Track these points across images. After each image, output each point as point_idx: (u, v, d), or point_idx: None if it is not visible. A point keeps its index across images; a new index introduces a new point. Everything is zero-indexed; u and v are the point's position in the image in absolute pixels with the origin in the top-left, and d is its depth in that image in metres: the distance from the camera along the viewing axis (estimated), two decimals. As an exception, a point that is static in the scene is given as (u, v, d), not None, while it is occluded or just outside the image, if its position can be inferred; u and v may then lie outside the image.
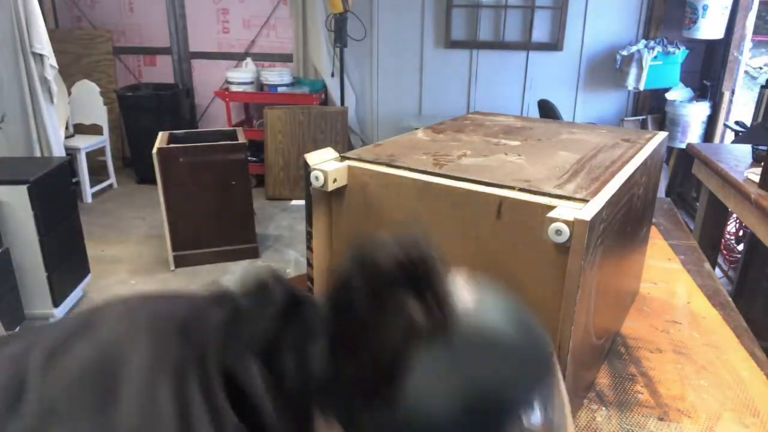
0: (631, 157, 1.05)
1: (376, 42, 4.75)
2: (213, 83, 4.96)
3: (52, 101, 3.60)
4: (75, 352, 0.50)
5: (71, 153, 4.12)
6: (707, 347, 1.21)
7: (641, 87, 4.10)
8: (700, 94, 4.20)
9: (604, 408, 1.01)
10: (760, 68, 4.47)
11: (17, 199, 2.51)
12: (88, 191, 4.44)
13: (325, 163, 0.95)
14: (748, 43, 3.90)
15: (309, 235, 1.01)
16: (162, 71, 5.17)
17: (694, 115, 4.02)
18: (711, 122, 4.04)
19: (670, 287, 1.47)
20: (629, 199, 0.98)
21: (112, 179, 4.78)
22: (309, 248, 1.02)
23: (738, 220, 3.27)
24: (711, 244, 2.61)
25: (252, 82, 4.65)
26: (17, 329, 2.47)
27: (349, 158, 0.98)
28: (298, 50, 4.80)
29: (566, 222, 0.73)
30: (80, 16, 5.13)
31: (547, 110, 3.74)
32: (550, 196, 0.81)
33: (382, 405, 0.48)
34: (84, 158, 4.35)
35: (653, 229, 1.77)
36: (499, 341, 0.52)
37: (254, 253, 3.55)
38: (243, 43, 4.97)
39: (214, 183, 3.28)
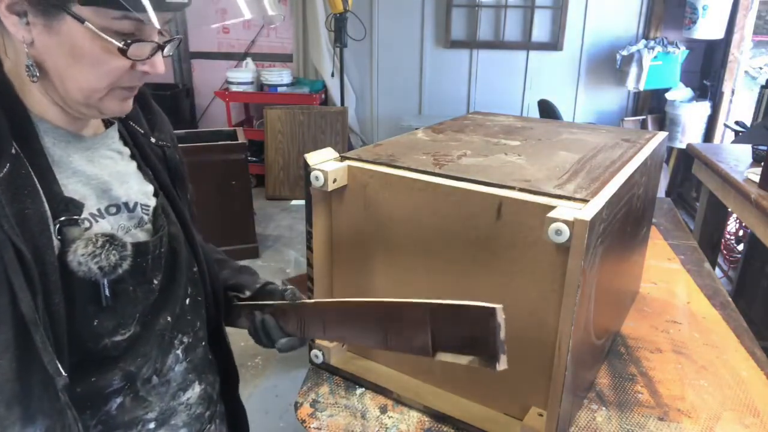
0: (631, 157, 1.05)
1: (376, 42, 4.75)
2: (213, 83, 4.96)
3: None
4: None
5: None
6: (707, 347, 1.21)
7: (641, 87, 4.10)
8: (700, 94, 4.20)
9: (604, 408, 1.01)
10: (760, 68, 4.47)
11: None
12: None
13: (325, 163, 0.95)
14: (748, 43, 3.90)
15: (309, 235, 1.01)
16: (162, 71, 5.17)
17: (694, 115, 4.02)
18: (711, 122, 4.04)
19: (670, 287, 1.47)
20: (629, 199, 0.98)
21: (112, 179, 4.78)
22: (309, 248, 1.02)
23: (738, 220, 3.27)
24: (711, 244, 2.61)
25: (252, 82, 4.65)
26: None
27: (349, 158, 0.98)
28: (298, 50, 4.80)
29: (566, 222, 0.73)
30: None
31: (547, 110, 3.74)
32: (550, 196, 0.81)
33: None
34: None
35: (653, 229, 1.77)
36: None
37: (254, 253, 3.55)
38: (243, 43, 4.97)
39: (214, 183, 3.28)
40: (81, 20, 0.62)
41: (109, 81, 0.68)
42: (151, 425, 0.81)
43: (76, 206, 0.70)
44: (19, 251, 0.62)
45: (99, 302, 0.71)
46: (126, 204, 0.77)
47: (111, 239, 0.69)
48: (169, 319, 0.81)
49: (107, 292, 0.71)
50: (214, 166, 3.25)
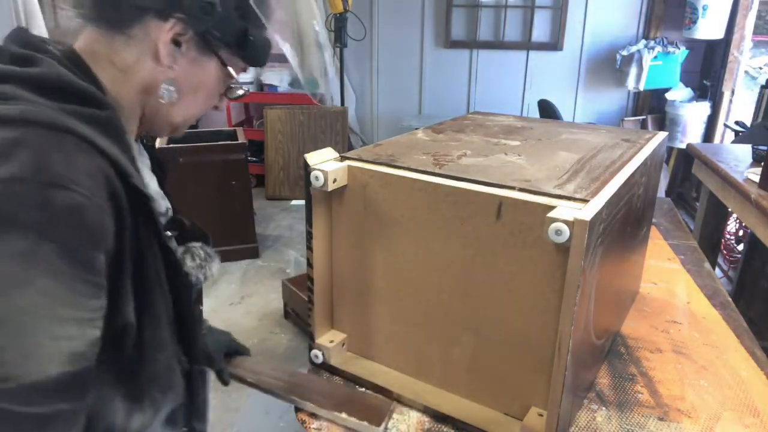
0: (631, 157, 1.05)
1: (376, 42, 4.75)
2: (213, 83, 4.96)
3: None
4: None
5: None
6: (707, 347, 1.21)
7: (641, 87, 4.10)
8: (700, 94, 4.20)
9: (604, 408, 1.01)
10: (760, 68, 4.47)
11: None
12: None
13: (325, 163, 0.95)
14: (748, 43, 3.90)
15: (309, 235, 1.01)
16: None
17: (694, 115, 4.01)
18: (711, 122, 4.03)
19: (670, 287, 1.47)
20: (629, 199, 0.98)
21: (112, 179, 4.77)
22: (309, 248, 1.02)
23: (738, 220, 3.27)
24: (711, 244, 2.61)
25: (252, 82, 4.65)
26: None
27: (349, 158, 0.98)
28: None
29: (566, 222, 0.73)
30: (80, 16, 5.12)
31: (547, 110, 3.74)
32: (550, 196, 0.81)
33: None
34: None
35: (653, 229, 1.77)
36: None
37: (254, 253, 3.54)
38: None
39: (214, 183, 3.28)
40: (225, 65, 0.74)
41: (203, 111, 0.79)
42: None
43: (183, 225, 0.81)
44: (171, 257, 0.71)
45: (191, 312, 0.79)
46: (167, 209, 0.83)
47: (209, 253, 0.81)
48: (201, 308, 0.93)
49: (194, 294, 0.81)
50: (214, 166, 3.25)
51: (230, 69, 0.75)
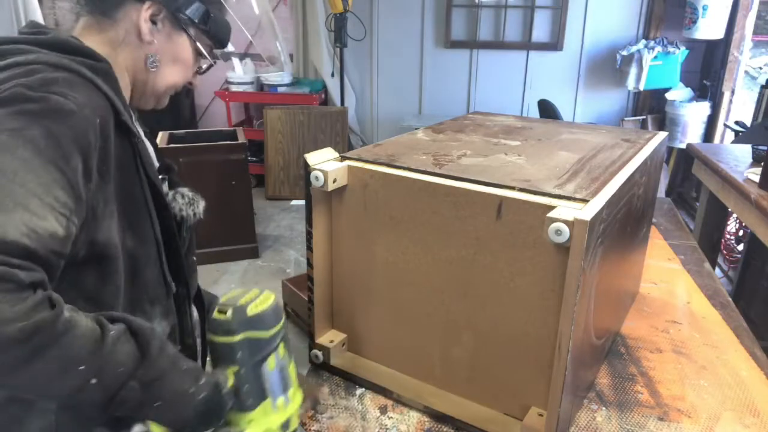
0: (631, 157, 1.05)
1: (376, 42, 4.74)
2: (213, 83, 4.96)
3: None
4: None
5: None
6: (707, 347, 1.21)
7: (641, 87, 4.10)
8: (700, 94, 4.20)
9: (604, 408, 1.01)
10: (760, 68, 4.47)
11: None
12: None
13: (325, 163, 0.95)
14: (748, 43, 3.90)
15: (309, 235, 1.01)
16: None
17: (694, 115, 4.01)
18: (711, 122, 4.03)
19: (670, 287, 1.47)
20: (629, 199, 0.98)
21: (112, 179, 4.77)
22: (309, 248, 1.02)
23: (738, 220, 3.27)
24: (711, 244, 2.61)
25: (252, 82, 4.65)
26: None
27: (349, 158, 0.98)
28: (298, 50, 4.79)
29: (566, 222, 0.73)
30: (80, 16, 5.12)
31: (547, 110, 3.74)
32: (550, 196, 0.81)
33: None
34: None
35: (653, 229, 1.77)
36: None
37: (254, 253, 3.54)
38: (242, 43, 4.97)
39: (214, 183, 3.28)
40: (194, 41, 0.90)
41: (182, 82, 0.94)
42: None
43: (173, 170, 0.95)
44: (156, 189, 0.83)
45: (176, 240, 0.90)
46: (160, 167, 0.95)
47: (195, 194, 0.96)
48: (195, 259, 1.06)
49: (185, 233, 0.96)
50: (214, 166, 3.25)
51: (199, 45, 0.90)
